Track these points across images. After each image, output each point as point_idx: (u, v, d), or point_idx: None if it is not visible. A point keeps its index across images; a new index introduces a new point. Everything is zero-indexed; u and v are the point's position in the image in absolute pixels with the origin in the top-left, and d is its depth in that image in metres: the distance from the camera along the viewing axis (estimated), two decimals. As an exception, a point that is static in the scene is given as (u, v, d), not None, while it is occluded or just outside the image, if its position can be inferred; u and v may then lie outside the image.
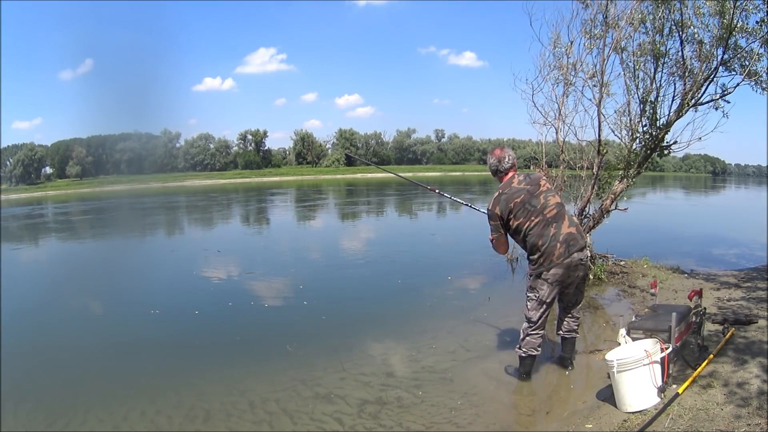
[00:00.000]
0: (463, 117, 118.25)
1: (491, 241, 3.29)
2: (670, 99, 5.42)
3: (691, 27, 5.13)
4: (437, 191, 4.22)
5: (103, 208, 24.47)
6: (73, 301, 6.15)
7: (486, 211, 3.25)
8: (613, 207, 5.76)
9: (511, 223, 3.13)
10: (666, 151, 5.72)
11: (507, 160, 3.22)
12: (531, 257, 3.13)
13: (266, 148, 76.96)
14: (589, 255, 5.25)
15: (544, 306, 3.12)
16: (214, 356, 4.01)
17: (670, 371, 2.84)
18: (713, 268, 6.46)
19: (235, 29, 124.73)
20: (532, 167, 6.48)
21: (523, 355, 3.21)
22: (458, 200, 4.17)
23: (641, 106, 5.59)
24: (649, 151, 5.62)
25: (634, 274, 5.80)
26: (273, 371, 3.60)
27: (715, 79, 5.19)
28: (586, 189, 5.88)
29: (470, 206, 4.07)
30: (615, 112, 5.81)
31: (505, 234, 3.22)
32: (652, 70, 5.49)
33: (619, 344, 2.88)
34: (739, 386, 2.65)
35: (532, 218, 3.06)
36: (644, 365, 2.60)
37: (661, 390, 2.64)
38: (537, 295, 3.11)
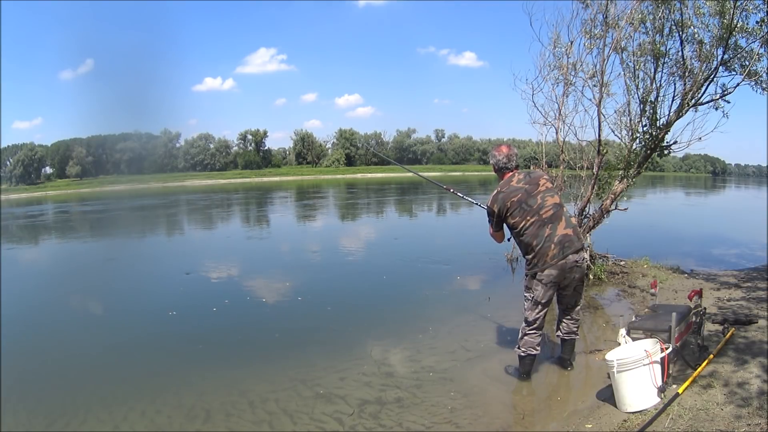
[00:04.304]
0: (463, 117, 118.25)
1: (491, 234, 3.38)
2: (670, 99, 5.42)
3: (691, 27, 5.13)
4: (452, 190, 4.21)
5: (102, 209, 24.46)
6: (71, 301, 6.15)
7: (485, 208, 3.28)
8: (613, 207, 5.76)
9: (508, 221, 3.16)
10: (666, 151, 5.72)
11: (514, 159, 3.26)
12: (526, 257, 3.15)
13: (266, 148, 77.04)
14: (588, 257, 5.28)
15: (540, 306, 3.13)
16: (214, 356, 4.01)
17: (670, 371, 2.84)
18: (713, 268, 6.46)
19: (235, 29, 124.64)
20: (532, 167, 6.47)
21: (522, 354, 3.21)
22: (471, 200, 4.15)
23: (641, 106, 5.58)
24: (649, 151, 5.62)
25: (634, 274, 5.80)
26: (273, 371, 3.60)
27: (715, 79, 5.19)
28: (586, 189, 5.88)
29: (480, 205, 4.06)
30: (615, 112, 5.81)
31: (503, 229, 3.30)
32: (652, 70, 5.49)
33: (619, 344, 2.88)
34: (740, 386, 2.66)
35: (528, 218, 3.07)
36: (644, 365, 2.60)
37: (661, 390, 2.64)
38: (532, 295, 3.13)
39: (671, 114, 5.39)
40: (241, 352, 4.08)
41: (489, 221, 3.29)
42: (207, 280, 6.88)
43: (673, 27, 5.24)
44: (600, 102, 5.60)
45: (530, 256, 3.10)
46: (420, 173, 5.48)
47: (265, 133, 75.41)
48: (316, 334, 4.41)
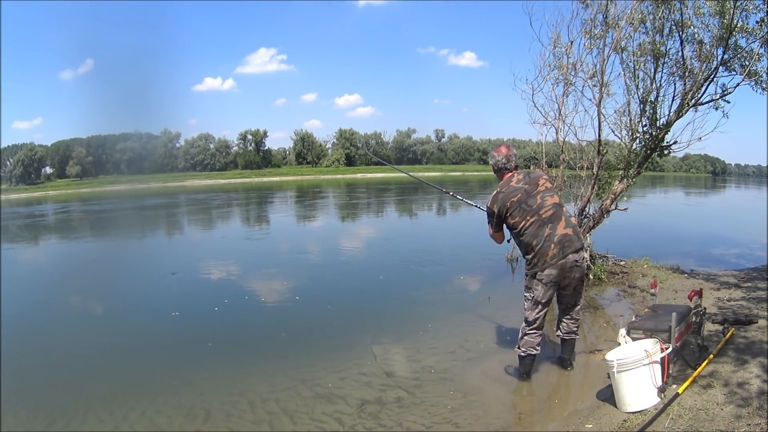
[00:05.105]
0: (463, 117, 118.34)
1: (490, 234, 3.37)
2: (670, 99, 5.42)
3: (691, 27, 5.13)
4: (451, 193, 4.22)
5: (102, 209, 24.46)
6: (71, 300, 6.16)
7: (485, 209, 3.28)
8: (613, 207, 5.76)
9: (507, 221, 3.16)
10: (666, 151, 5.72)
11: (514, 159, 3.26)
12: (526, 257, 3.16)
13: (266, 148, 77.02)
14: (587, 256, 5.28)
15: (540, 306, 3.13)
16: (214, 356, 4.01)
17: (670, 371, 2.84)
18: (713, 268, 6.46)
19: (235, 29, 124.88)
20: (532, 167, 6.48)
21: (523, 354, 3.21)
22: (470, 202, 4.16)
23: (641, 106, 5.58)
24: (649, 151, 5.62)
25: (634, 274, 5.80)
26: (273, 371, 3.60)
27: (715, 79, 5.19)
28: (586, 189, 5.88)
29: (479, 207, 4.07)
30: (615, 112, 5.82)
31: (502, 230, 3.30)
32: (652, 70, 5.49)
33: (619, 344, 2.88)
34: (740, 386, 2.66)
35: (528, 218, 3.08)
36: (644, 365, 2.60)
37: (661, 390, 2.64)
38: (532, 295, 3.13)
39: (671, 114, 5.40)
40: (241, 352, 4.08)
41: (489, 222, 3.29)
42: (207, 280, 6.88)
43: (673, 27, 5.24)
44: (600, 102, 5.61)
45: (530, 256, 3.10)
46: (414, 174, 5.48)
47: (265, 133, 75.48)
48: (316, 334, 4.42)
